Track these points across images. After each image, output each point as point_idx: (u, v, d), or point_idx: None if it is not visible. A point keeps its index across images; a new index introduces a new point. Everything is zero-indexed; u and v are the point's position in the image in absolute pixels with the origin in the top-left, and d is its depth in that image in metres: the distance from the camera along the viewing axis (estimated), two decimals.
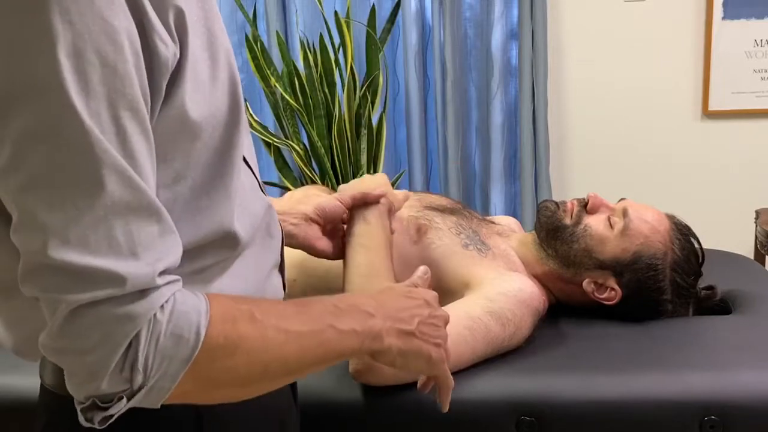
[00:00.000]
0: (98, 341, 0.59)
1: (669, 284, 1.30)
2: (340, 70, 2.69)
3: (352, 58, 2.68)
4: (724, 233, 2.80)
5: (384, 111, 2.75)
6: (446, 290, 1.23)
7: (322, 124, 2.64)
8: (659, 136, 2.98)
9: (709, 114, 2.94)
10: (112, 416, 0.62)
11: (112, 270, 0.59)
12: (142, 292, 0.60)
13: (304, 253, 1.32)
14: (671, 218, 1.35)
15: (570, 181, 3.05)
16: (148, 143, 0.61)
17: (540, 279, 1.33)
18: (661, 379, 1.09)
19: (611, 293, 1.30)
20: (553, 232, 1.33)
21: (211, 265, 0.73)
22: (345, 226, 1.19)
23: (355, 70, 2.70)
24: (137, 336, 0.60)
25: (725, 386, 1.08)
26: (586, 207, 1.34)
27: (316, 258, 1.32)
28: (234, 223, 0.72)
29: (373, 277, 1.11)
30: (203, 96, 0.66)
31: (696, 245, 1.35)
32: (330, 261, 1.28)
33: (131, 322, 0.60)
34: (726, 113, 2.93)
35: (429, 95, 3.01)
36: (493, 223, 1.48)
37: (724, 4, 2.83)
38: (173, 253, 0.63)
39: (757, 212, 2.73)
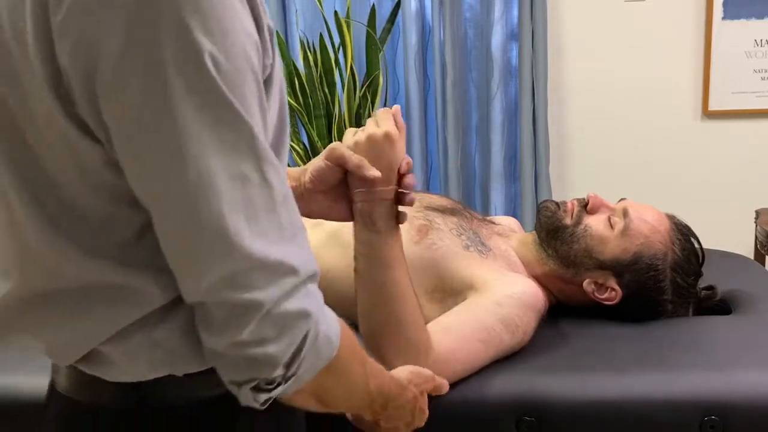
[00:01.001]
0: (279, 334, 0.65)
1: (669, 284, 1.30)
2: (340, 70, 2.69)
3: (352, 58, 2.68)
4: (724, 233, 2.80)
5: None
6: (448, 291, 1.23)
7: (322, 124, 2.64)
8: (659, 136, 2.98)
9: (709, 114, 2.94)
10: (271, 398, 0.69)
11: (288, 260, 0.65)
12: (306, 287, 0.67)
13: None
14: (671, 218, 1.35)
15: (570, 181, 3.05)
16: None
17: (540, 279, 1.33)
18: (660, 379, 1.09)
19: (611, 293, 1.29)
20: (554, 232, 1.33)
21: None
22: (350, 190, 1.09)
23: (355, 70, 2.70)
24: (306, 333, 0.67)
25: (725, 386, 1.08)
26: (586, 207, 1.34)
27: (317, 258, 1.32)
28: None
29: (396, 298, 1.07)
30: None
31: (696, 245, 1.34)
32: (330, 261, 1.28)
33: (307, 319, 0.67)
34: (726, 113, 2.93)
35: (429, 95, 3.01)
36: (493, 223, 1.47)
37: (724, 4, 2.84)
38: (308, 240, 0.70)
39: (757, 212, 2.73)
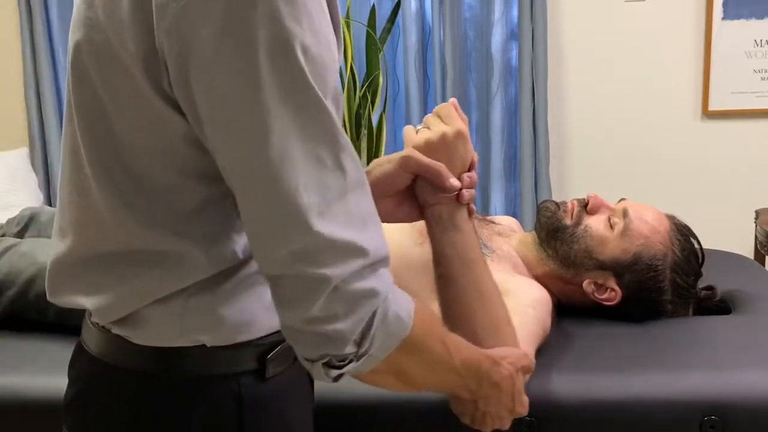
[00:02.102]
0: (348, 311, 0.68)
1: (669, 285, 1.30)
2: (340, 70, 2.69)
3: (352, 58, 2.68)
4: (724, 233, 2.80)
5: (384, 111, 2.75)
6: None
7: None
8: (659, 136, 2.98)
9: (709, 114, 2.94)
10: (342, 375, 0.72)
11: (358, 243, 0.68)
12: (377, 270, 0.70)
13: None
14: (671, 218, 1.35)
15: (570, 181, 3.05)
16: None
17: (540, 280, 1.33)
18: (661, 379, 1.09)
19: (611, 294, 1.29)
20: (554, 232, 1.33)
21: None
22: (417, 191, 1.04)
23: (355, 70, 2.70)
24: (375, 311, 0.70)
25: (725, 386, 1.08)
26: (586, 207, 1.34)
27: None
28: None
29: (489, 296, 1.03)
30: None
31: (696, 245, 1.34)
32: None
33: (375, 297, 0.70)
34: (726, 113, 2.93)
35: (429, 95, 3.01)
36: (494, 223, 1.47)
37: (724, 4, 2.84)
38: (381, 227, 0.73)
39: (757, 212, 2.73)
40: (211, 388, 0.76)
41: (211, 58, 0.64)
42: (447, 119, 1.03)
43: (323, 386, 0.90)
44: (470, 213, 1.04)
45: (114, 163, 0.73)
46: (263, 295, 0.77)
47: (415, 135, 1.04)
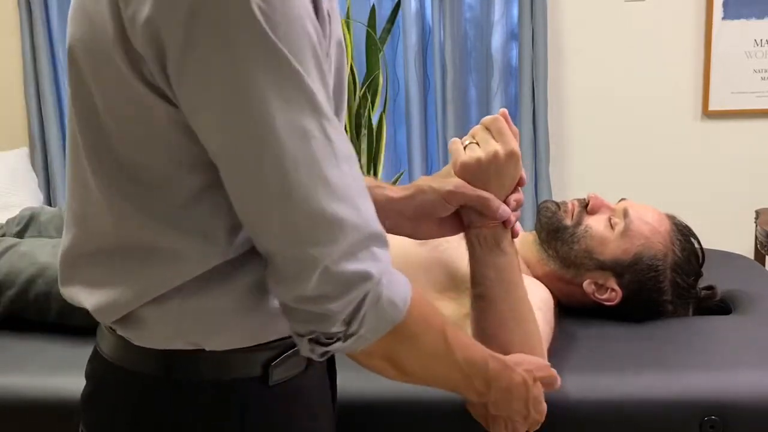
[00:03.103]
0: (339, 293, 0.68)
1: (669, 285, 1.30)
2: None
3: (352, 58, 2.68)
4: (724, 233, 2.80)
5: (384, 111, 2.75)
6: (464, 291, 1.22)
7: None
8: (659, 136, 2.98)
9: (709, 114, 2.94)
10: (329, 352, 0.72)
11: (347, 218, 0.66)
12: (371, 249, 0.68)
13: None
14: (672, 219, 1.35)
15: (570, 181, 3.05)
16: None
17: (541, 280, 1.32)
18: (661, 379, 1.09)
19: (612, 294, 1.29)
20: (554, 232, 1.32)
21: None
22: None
23: (355, 70, 2.70)
24: (366, 294, 0.69)
25: (725, 386, 1.08)
26: (586, 207, 1.33)
27: None
28: None
29: (528, 317, 1.03)
30: None
31: (696, 246, 1.34)
32: None
33: (368, 281, 0.68)
34: (726, 113, 2.93)
35: (429, 95, 3.01)
36: None
37: (724, 4, 2.84)
38: (371, 202, 0.71)
39: (757, 212, 2.73)
40: (214, 393, 0.76)
41: (184, 43, 0.63)
42: (498, 136, 1.01)
43: (343, 386, 0.90)
44: (514, 235, 1.03)
45: (107, 155, 0.72)
46: (267, 302, 0.76)
47: (463, 151, 1.01)
